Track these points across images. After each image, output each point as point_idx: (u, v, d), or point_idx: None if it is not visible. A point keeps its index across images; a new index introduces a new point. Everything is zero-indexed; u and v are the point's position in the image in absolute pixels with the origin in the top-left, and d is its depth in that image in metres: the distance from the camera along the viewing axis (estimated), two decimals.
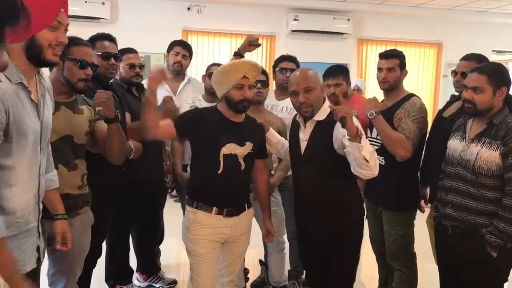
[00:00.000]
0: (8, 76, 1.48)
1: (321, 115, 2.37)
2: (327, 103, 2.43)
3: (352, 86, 5.88)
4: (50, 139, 1.83)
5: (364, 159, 2.09)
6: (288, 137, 2.60)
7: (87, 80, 2.21)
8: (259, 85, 2.92)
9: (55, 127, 1.89)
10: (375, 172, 2.17)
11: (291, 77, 2.44)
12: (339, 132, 2.22)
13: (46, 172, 1.84)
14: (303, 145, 2.41)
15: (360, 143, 2.08)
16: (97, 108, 2.27)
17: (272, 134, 2.61)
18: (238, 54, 2.98)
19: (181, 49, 3.57)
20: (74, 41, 2.16)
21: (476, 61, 2.64)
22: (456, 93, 2.95)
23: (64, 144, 2.13)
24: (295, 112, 3.13)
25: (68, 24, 1.62)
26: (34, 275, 1.71)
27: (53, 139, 1.96)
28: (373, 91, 7.02)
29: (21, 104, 1.52)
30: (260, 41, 3.09)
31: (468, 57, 2.74)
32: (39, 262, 1.73)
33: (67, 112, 2.16)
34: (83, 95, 2.33)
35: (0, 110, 1.43)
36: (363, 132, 2.13)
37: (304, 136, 2.41)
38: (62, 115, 2.12)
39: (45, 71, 1.80)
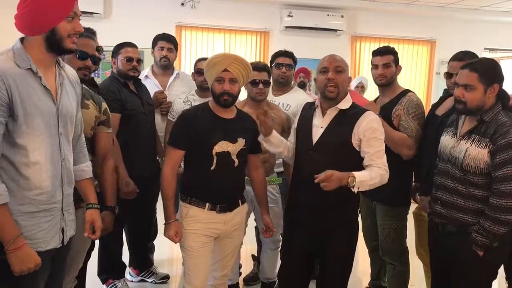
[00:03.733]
0: (18, 62, 1.63)
1: (345, 104, 2.32)
2: (349, 95, 2.38)
3: (356, 83, 5.94)
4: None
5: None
6: (298, 121, 2.50)
7: (87, 69, 2.23)
8: (261, 85, 2.84)
9: None
10: (384, 180, 2.29)
11: (322, 58, 2.37)
12: (361, 130, 2.25)
13: (79, 162, 1.99)
14: (317, 132, 2.33)
15: (354, 188, 2.16)
16: (103, 108, 2.31)
17: (274, 136, 2.49)
18: None
19: (165, 43, 3.54)
20: None
21: (469, 59, 2.61)
22: (442, 91, 2.97)
23: None
24: (292, 108, 3.13)
25: (81, 14, 1.75)
26: (58, 252, 1.81)
27: None
28: (366, 87, 7.04)
29: (29, 87, 1.64)
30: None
31: (460, 57, 2.65)
32: (63, 243, 1.81)
33: None
34: (88, 88, 2.34)
35: (0, 88, 1.56)
36: (353, 176, 2.14)
37: (320, 122, 2.34)
38: None
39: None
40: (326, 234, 2.34)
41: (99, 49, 2.75)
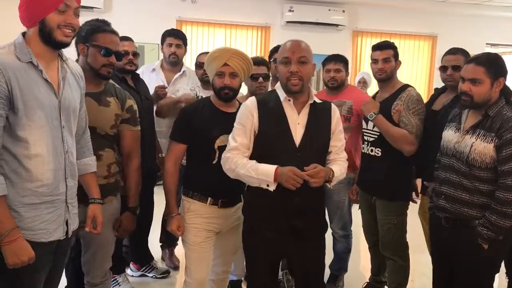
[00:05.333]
0: (19, 55, 1.64)
1: (314, 97, 2.18)
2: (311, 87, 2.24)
3: (358, 78, 5.93)
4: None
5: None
6: (260, 120, 2.14)
7: (111, 67, 2.20)
8: (260, 79, 2.84)
9: None
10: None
11: (283, 44, 2.16)
12: (334, 124, 2.21)
13: (83, 156, 2.00)
14: (297, 130, 2.12)
15: (331, 184, 2.16)
16: (127, 105, 2.31)
17: None
18: None
19: (173, 39, 3.53)
20: (100, 28, 2.19)
21: (462, 54, 2.71)
22: (439, 87, 3.02)
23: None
24: None
25: (78, 8, 1.73)
26: (59, 245, 1.82)
27: None
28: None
29: (30, 80, 1.64)
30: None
31: (453, 51, 2.77)
32: (67, 235, 1.82)
33: (92, 104, 2.18)
34: (115, 84, 2.34)
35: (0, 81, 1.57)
36: (333, 171, 2.13)
37: (299, 119, 2.13)
38: (87, 107, 2.13)
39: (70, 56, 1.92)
40: (306, 235, 2.16)
41: None
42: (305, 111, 2.16)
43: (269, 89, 3.27)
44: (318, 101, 2.21)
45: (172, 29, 3.63)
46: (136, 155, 2.38)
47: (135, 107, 2.37)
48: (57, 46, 1.71)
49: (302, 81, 2.09)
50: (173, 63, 3.58)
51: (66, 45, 1.73)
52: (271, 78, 3.42)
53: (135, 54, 3.08)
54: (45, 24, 1.65)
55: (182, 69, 3.65)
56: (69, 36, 1.71)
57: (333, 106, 2.26)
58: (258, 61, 2.89)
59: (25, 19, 1.69)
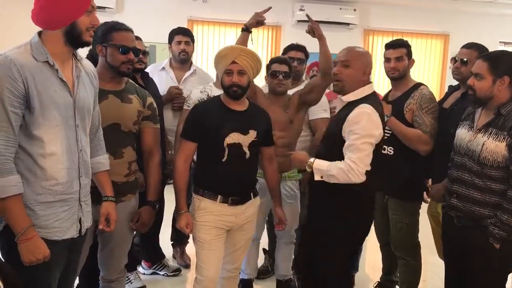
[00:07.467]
0: (35, 55, 1.65)
1: (352, 96, 2.29)
2: (366, 88, 2.31)
3: None
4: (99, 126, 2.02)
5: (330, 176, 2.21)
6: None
7: (131, 63, 2.22)
8: (280, 76, 2.85)
9: (103, 115, 2.03)
10: (343, 177, 2.16)
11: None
12: (346, 122, 2.22)
13: (96, 154, 2.01)
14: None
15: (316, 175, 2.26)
16: (148, 102, 2.34)
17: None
18: (246, 30, 2.97)
19: (182, 36, 3.55)
20: (114, 27, 2.22)
21: (476, 49, 2.67)
22: (454, 84, 2.99)
23: (111, 132, 2.18)
24: None
25: (97, 8, 1.77)
26: (73, 243, 1.84)
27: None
28: (379, 82, 6.99)
29: (46, 80, 1.66)
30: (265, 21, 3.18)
31: (469, 46, 2.74)
32: (80, 233, 1.84)
33: (115, 101, 2.21)
34: (134, 83, 2.37)
35: (17, 80, 1.59)
36: (310, 161, 2.29)
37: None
38: (110, 104, 2.18)
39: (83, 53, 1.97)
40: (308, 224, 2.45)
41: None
42: (338, 107, 2.47)
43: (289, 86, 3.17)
44: (351, 99, 2.30)
45: (179, 27, 3.65)
46: (157, 151, 2.41)
47: (155, 105, 2.41)
48: (82, 46, 1.76)
49: (342, 83, 2.33)
50: (183, 61, 3.59)
51: (90, 44, 1.79)
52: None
53: (144, 53, 3.12)
54: (75, 27, 1.68)
55: (192, 68, 3.66)
56: (92, 36, 1.76)
57: (360, 106, 2.22)
58: (280, 60, 2.95)
59: (48, 22, 1.69)
